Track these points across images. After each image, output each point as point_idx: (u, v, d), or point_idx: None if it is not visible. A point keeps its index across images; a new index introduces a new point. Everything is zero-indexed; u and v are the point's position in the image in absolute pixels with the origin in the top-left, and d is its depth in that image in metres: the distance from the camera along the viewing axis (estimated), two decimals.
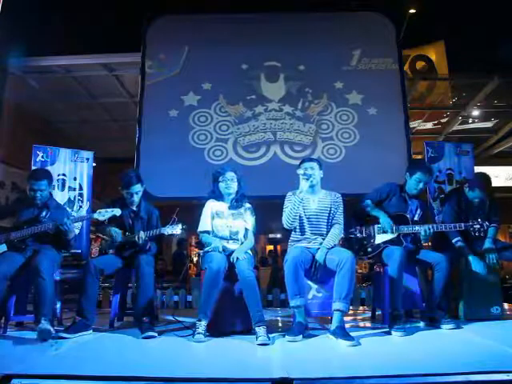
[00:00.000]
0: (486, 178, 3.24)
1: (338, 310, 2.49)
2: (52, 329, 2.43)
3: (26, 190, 2.98)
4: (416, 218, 3.06)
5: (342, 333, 2.39)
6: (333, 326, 2.48)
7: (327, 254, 2.72)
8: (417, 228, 2.92)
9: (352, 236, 3.13)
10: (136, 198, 3.05)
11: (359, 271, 7.34)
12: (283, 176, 4.53)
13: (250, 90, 5.48)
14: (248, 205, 3.05)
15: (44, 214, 2.93)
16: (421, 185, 3.06)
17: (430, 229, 2.89)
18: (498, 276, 3.16)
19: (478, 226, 2.79)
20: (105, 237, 3.03)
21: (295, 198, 2.78)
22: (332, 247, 2.76)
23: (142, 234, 2.88)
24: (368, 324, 3.24)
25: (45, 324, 2.42)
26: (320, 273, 2.75)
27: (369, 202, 3.13)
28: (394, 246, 2.90)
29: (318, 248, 2.78)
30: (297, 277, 2.58)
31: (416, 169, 3.07)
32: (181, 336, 2.59)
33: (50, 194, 3.08)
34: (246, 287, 2.57)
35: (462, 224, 2.87)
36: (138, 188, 3.03)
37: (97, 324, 2.87)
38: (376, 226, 3.06)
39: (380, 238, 3.01)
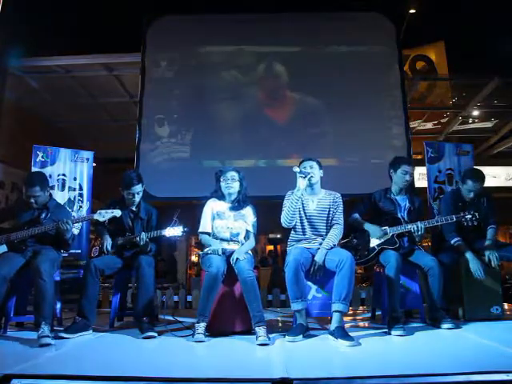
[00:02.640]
0: (476, 171, 3.24)
1: (337, 311, 2.49)
2: (52, 340, 2.40)
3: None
4: (405, 214, 3.07)
5: (341, 333, 2.39)
6: (332, 326, 2.48)
7: (327, 255, 2.72)
8: (409, 226, 2.93)
9: (348, 244, 3.14)
10: (137, 199, 3.05)
11: (359, 271, 7.34)
12: (283, 176, 4.53)
13: (250, 90, 5.48)
14: (250, 206, 3.04)
15: (44, 215, 2.92)
16: (407, 177, 3.09)
17: (421, 225, 2.88)
18: (498, 276, 3.15)
19: (470, 216, 2.79)
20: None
21: (293, 196, 2.78)
22: (331, 248, 2.76)
23: (144, 235, 2.88)
24: (368, 324, 3.23)
25: (45, 333, 2.40)
26: (319, 273, 2.74)
27: (356, 215, 3.17)
28: (390, 250, 2.91)
29: (318, 248, 2.78)
30: (298, 280, 2.57)
31: (399, 163, 3.12)
32: (181, 336, 2.59)
33: (50, 195, 3.07)
34: (246, 287, 2.57)
35: (454, 216, 2.87)
36: (138, 188, 3.03)
37: (97, 324, 2.87)
38: None
39: (375, 241, 3.02)
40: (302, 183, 2.77)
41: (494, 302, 3.05)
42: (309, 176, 2.79)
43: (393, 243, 2.96)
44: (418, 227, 2.88)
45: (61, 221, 2.80)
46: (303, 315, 2.60)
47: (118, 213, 2.86)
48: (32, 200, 2.88)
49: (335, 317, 2.49)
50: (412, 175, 3.12)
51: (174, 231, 2.87)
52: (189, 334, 2.59)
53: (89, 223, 4.15)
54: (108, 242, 2.96)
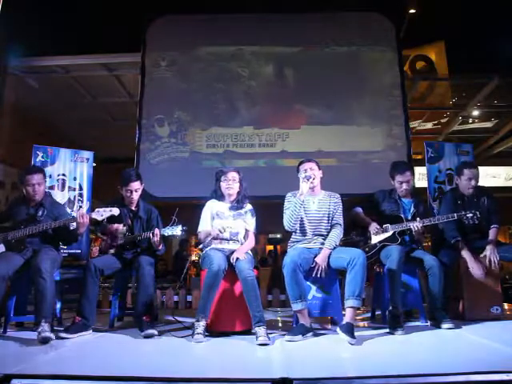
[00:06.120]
0: (466, 161, 3.26)
1: (351, 307, 2.50)
2: (52, 335, 2.41)
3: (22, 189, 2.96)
4: (410, 217, 3.07)
5: (347, 329, 2.38)
6: (344, 321, 2.48)
7: (334, 254, 2.73)
8: (410, 224, 2.93)
9: (349, 240, 3.14)
10: (135, 196, 3.03)
11: None
12: (283, 176, 4.54)
13: (250, 90, 5.48)
14: (249, 206, 3.04)
15: (40, 213, 2.90)
16: (404, 185, 3.09)
17: (421, 222, 2.90)
18: (498, 276, 3.15)
19: (471, 215, 2.80)
20: (103, 236, 3.02)
21: (296, 200, 2.77)
22: (334, 248, 2.77)
23: (157, 231, 2.86)
24: (368, 324, 3.23)
25: (45, 329, 2.40)
26: (321, 274, 2.74)
27: (359, 209, 3.18)
28: (392, 245, 2.91)
29: (320, 248, 2.79)
30: (296, 280, 2.58)
31: (394, 172, 3.14)
32: (180, 336, 2.59)
33: (45, 193, 3.06)
34: (246, 287, 2.57)
35: (455, 214, 2.87)
36: (137, 185, 3.02)
37: (97, 324, 2.87)
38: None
39: (376, 238, 3.03)
40: (305, 187, 2.76)
41: (494, 301, 3.05)
42: (311, 179, 2.79)
43: (394, 240, 2.96)
44: (417, 226, 2.89)
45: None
46: (305, 316, 2.61)
47: (116, 211, 2.83)
48: (35, 187, 2.87)
49: (348, 313, 2.50)
50: (409, 182, 3.10)
51: (173, 230, 2.86)
52: (189, 334, 2.58)
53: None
54: (119, 226, 2.94)
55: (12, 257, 2.71)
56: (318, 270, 2.73)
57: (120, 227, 2.95)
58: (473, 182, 3.15)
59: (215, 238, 2.89)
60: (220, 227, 2.75)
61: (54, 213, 2.95)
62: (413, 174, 3.13)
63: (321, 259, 2.73)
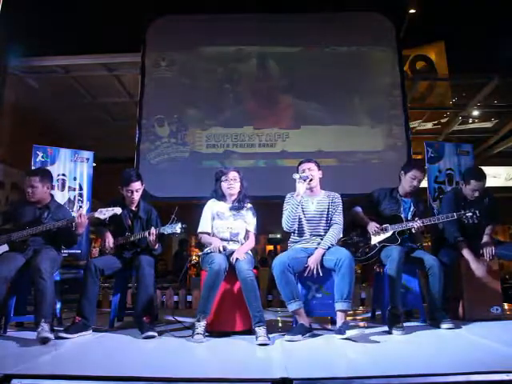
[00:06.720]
0: (477, 170, 3.24)
1: (340, 311, 2.49)
2: (51, 335, 2.41)
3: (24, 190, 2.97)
4: (409, 216, 3.06)
5: (345, 329, 2.39)
6: (337, 324, 2.49)
7: (327, 255, 2.72)
8: (410, 224, 2.93)
9: (349, 241, 3.14)
10: (136, 196, 3.04)
11: (358, 271, 7.33)
12: (283, 176, 4.53)
13: (250, 90, 5.47)
14: (249, 205, 3.04)
15: (46, 214, 2.92)
16: (415, 182, 3.08)
17: (422, 222, 2.89)
18: (498, 276, 3.15)
19: (470, 214, 2.80)
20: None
21: (293, 201, 2.77)
22: (329, 248, 2.76)
23: (153, 230, 2.87)
24: (368, 324, 3.23)
25: (44, 329, 2.40)
26: (315, 274, 2.73)
27: (359, 208, 3.17)
28: (392, 246, 2.91)
29: (316, 248, 2.78)
30: (287, 282, 2.58)
31: (410, 166, 3.12)
32: (180, 336, 2.59)
33: (52, 196, 3.08)
34: (246, 287, 2.57)
35: (455, 214, 2.87)
36: (138, 185, 3.02)
37: (97, 324, 2.87)
38: None
39: (376, 239, 3.02)
40: (301, 188, 2.75)
41: (494, 301, 3.05)
42: (308, 180, 2.79)
43: (394, 241, 2.96)
44: (417, 225, 2.88)
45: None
46: (303, 315, 2.61)
47: (118, 210, 2.85)
48: (29, 190, 2.88)
49: (339, 316, 2.50)
50: (420, 181, 3.10)
51: (172, 229, 2.86)
52: (189, 334, 2.58)
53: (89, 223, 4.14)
54: (110, 240, 2.95)
55: (14, 257, 2.72)
56: (309, 270, 2.73)
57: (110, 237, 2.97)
58: (477, 194, 3.14)
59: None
60: (221, 247, 2.75)
61: (59, 215, 2.96)
62: (425, 175, 3.13)
63: (313, 260, 2.73)
